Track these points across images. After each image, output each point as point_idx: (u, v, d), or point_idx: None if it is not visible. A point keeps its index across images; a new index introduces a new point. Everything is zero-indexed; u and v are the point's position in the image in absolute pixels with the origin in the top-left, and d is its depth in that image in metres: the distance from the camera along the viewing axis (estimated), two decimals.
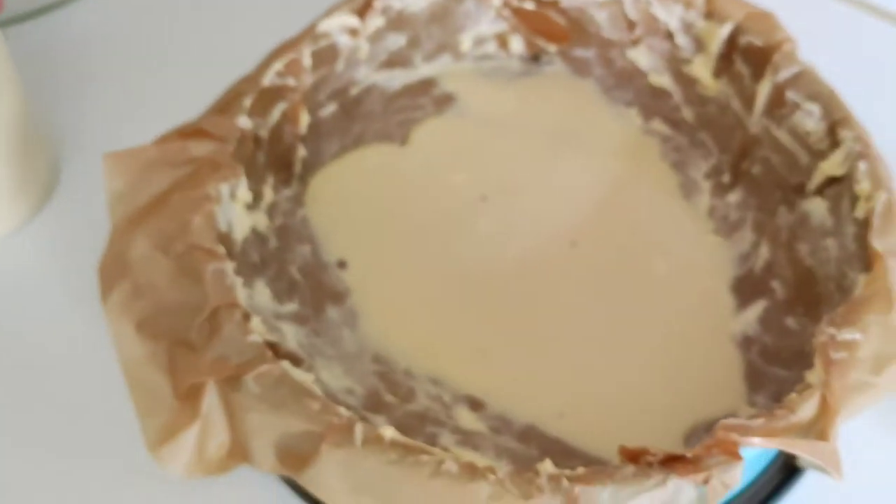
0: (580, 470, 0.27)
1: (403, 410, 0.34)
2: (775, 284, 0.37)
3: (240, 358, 0.29)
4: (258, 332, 0.31)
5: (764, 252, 0.38)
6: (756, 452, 0.32)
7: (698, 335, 0.36)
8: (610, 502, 0.26)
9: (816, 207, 0.36)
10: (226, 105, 0.36)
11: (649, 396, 0.35)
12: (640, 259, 0.39)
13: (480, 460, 0.27)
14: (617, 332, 0.37)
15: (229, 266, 0.32)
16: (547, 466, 0.27)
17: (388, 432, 0.27)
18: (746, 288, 0.37)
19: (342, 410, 0.28)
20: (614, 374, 0.35)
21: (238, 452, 0.31)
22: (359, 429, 0.27)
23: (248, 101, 0.36)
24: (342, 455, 0.27)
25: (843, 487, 0.33)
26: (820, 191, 0.36)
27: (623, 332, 0.37)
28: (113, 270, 0.32)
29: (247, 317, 0.30)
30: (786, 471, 0.33)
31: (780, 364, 0.35)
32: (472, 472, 0.27)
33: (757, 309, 0.37)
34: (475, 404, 0.34)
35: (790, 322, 0.36)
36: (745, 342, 0.36)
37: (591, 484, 0.26)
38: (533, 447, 0.33)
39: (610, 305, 0.37)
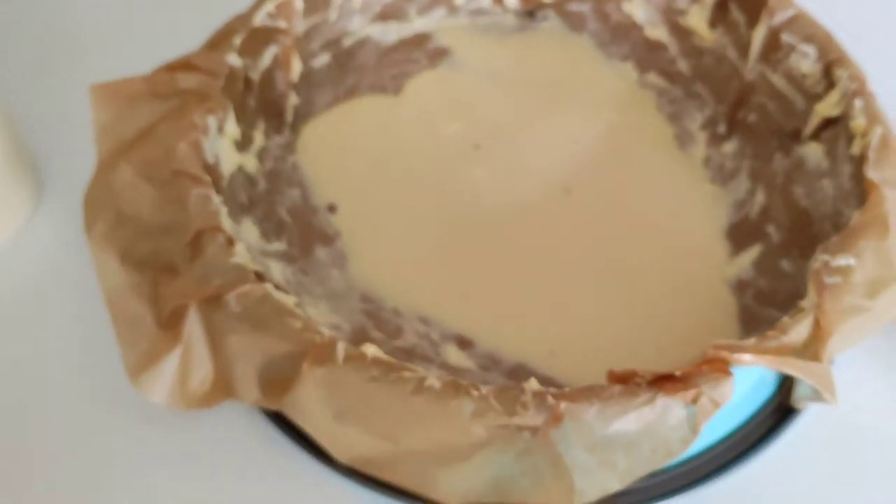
0: (566, 389, 0.26)
1: (391, 346, 0.33)
2: (770, 229, 0.36)
3: (222, 279, 0.29)
4: (243, 258, 0.30)
5: (760, 198, 0.37)
6: (748, 392, 0.32)
7: (692, 279, 0.36)
8: (596, 420, 0.26)
9: (812, 152, 0.36)
10: (216, 42, 0.36)
11: (642, 338, 0.34)
12: (634, 207, 0.38)
13: None
14: (609, 276, 0.36)
15: (214, 192, 0.31)
16: (532, 384, 0.26)
17: (371, 349, 0.27)
18: (741, 234, 0.37)
19: (325, 330, 0.28)
20: (606, 315, 0.35)
21: (222, 386, 0.30)
22: (341, 347, 0.27)
23: (238, 40, 0.36)
24: (324, 374, 0.27)
25: (837, 432, 0.32)
26: (816, 135, 0.36)
27: (616, 275, 0.36)
28: (97, 201, 0.32)
29: (231, 241, 0.30)
30: (779, 413, 0.32)
31: (776, 306, 0.34)
32: (455, 388, 0.26)
33: (752, 254, 0.36)
34: (464, 343, 0.34)
35: (785, 265, 0.35)
36: (740, 286, 0.35)
37: (576, 401, 0.26)
38: None
39: (603, 250, 0.37)
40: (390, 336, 0.34)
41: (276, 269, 0.35)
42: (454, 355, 0.33)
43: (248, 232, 0.35)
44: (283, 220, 0.37)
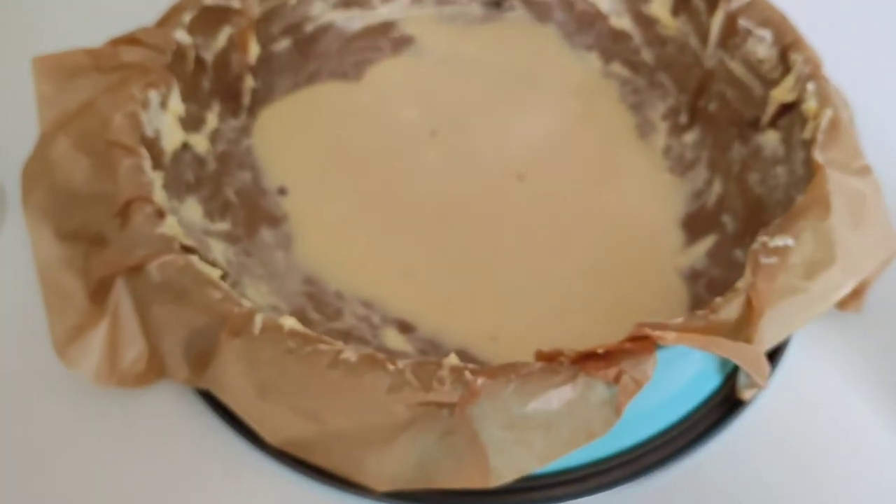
0: (486, 366, 0.25)
1: (327, 327, 0.33)
2: (726, 219, 0.35)
3: (147, 249, 0.28)
4: (173, 230, 0.30)
5: (717, 188, 0.37)
6: (691, 380, 0.31)
7: (643, 268, 0.35)
8: (514, 397, 0.25)
9: (770, 139, 0.35)
10: (165, 19, 0.36)
11: (588, 325, 0.33)
12: (589, 194, 0.38)
13: None
14: (558, 263, 0.35)
15: (147, 163, 0.31)
16: (451, 359, 0.25)
17: (288, 321, 0.26)
18: (697, 224, 0.36)
19: (244, 301, 0.27)
20: (552, 303, 0.34)
21: (156, 365, 0.30)
22: (258, 318, 0.26)
23: (187, 17, 0.36)
24: (241, 345, 0.26)
25: (785, 425, 0.31)
26: (773, 122, 0.35)
27: (565, 263, 0.35)
28: (35, 173, 0.32)
29: (160, 213, 0.30)
30: (727, 406, 0.31)
31: None
32: (371, 362, 0.25)
33: (707, 243, 0.35)
34: (405, 327, 0.33)
35: (738, 254, 0.34)
36: (693, 276, 0.34)
37: (494, 378, 0.25)
38: None
39: (553, 237, 0.36)
40: (329, 318, 0.33)
41: (218, 249, 0.34)
42: (393, 339, 0.33)
43: (190, 210, 0.35)
44: (229, 200, 0.36)
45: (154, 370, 0.30)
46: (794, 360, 0.32)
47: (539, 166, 0.39)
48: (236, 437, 0.30)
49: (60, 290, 0.30)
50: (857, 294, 0.31)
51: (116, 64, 0.33)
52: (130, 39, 0.34)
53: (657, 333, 0.24)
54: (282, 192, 0.38)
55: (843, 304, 0.31)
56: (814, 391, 0.32)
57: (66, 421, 0.31)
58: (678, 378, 0.30)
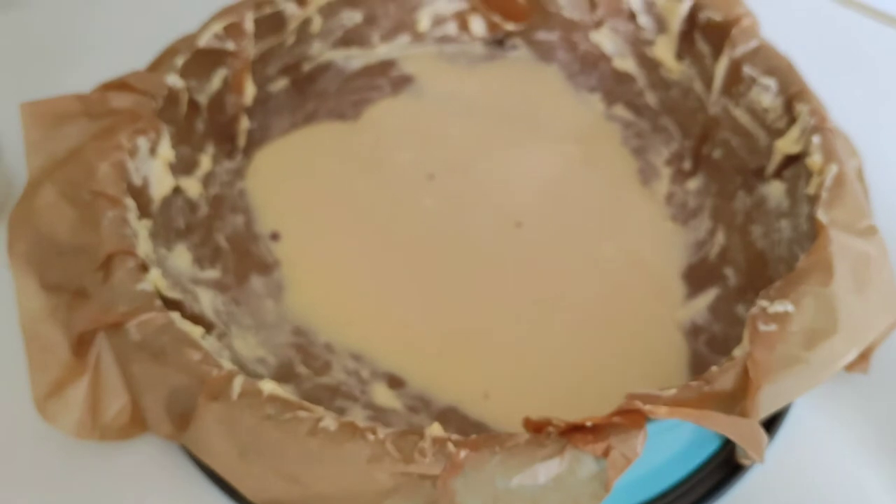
0: (472, 437, 0.24)
1: (314, 382, 0.32)
2: (728, 272, 0.34)
3: (127, 306, 0.27)
4: (158, 285, 0.29)
5: (720, 239, 0.35)
6: (688, 445, 0.30)
7: (642, 321, 0.34)
8: (499, 471, 0.24)
9: (774, 190, 0.34)
10: (157, 63, 0.35)
11: (584, 382, 0.32)
12: (588, 242, 0.37)
13: None
14: (554, 315, 0.34)
15: (132, 215, 0.30)
16: (434, 429, 0.25)
17: (267, 386, 0.25)
18: (699, 276, 0.35)
19: (224, 363, 0.26)
20: (547, 358, 0.33)
21: (139, 418, 0.29)
22: (237, 382, 0.26)
23: (180, 60, 0.35)
24: (219, 410, 0.25)
25: (788, 488, 0.30)
26: (778, 173, 0.34)
27: (561, 315, 0.34)
28: (21, 221, 0.31)
29: (144, 267, 0.29)
30: (726, 468, 0.30)
31: (727, 354, 0.32)
32: (351, 431, 0.24)
33: (708, 297, 0.34)
34: (395, 381, 0.32)
35: (740, 310, 0.33)
36: (693, 331, 0.33)
37: (478, 450, 0.24)
38: (451, 429, 0.31)
39: (550, 287, 0.35)
40: (316, 372, 0.32)
41: (206, 298, 0.33)
42: (383, 394, 0.32)
43: (179, 258, 0.34)
44: (220, 246, 0.36)
45: (137, 423, 0.29)
46: (797, 420, 0.31)
47: (538, 213, 0.38)
48: (220, 494, 0.30)
49: (43, 343, 0.30)
50: (863, 356, 0.30)
51: (106, 110, 0.33)
52: (121, 84, 0.33)
53: (647, 408, 0.23)
54: (274, 237, 0.37)
55: (849, 366, 0.30)
56: (817, 453, 0.31)
57: (43, 471, 0.30)
58: (674, 444, 0.29)
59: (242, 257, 0.36)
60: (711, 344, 0.33)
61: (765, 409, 0.25)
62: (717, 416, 0.24)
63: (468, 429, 0.31)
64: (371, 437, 0.24)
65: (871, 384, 0.32)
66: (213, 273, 0.35)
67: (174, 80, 0.35)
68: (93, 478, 0.30)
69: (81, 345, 0.29)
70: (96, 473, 0.30)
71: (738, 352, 0.26)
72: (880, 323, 0.27)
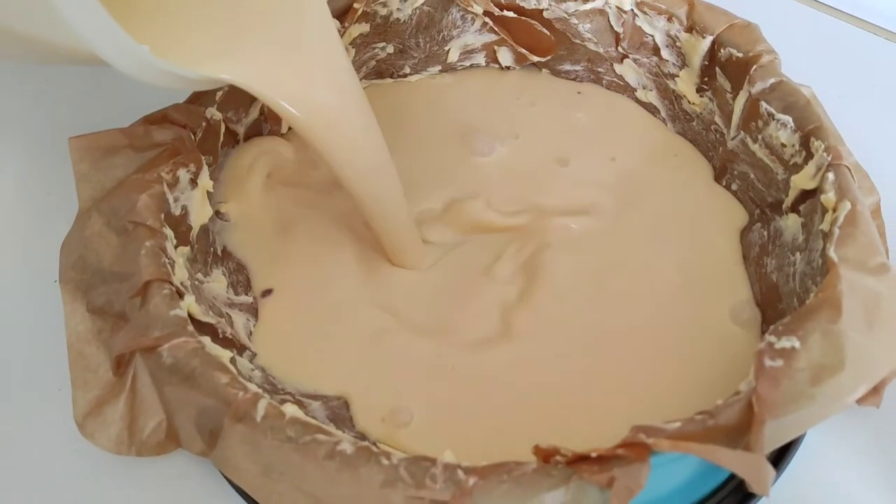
0: (482, 464, 0.25)
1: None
2: None
3: (161, 331, 0.29)
4: (192, 311, 0.31)
5: None
6: (698, 474, 0.30)
7: (647, 355, 0.34)
8: (506, 499, 0.25)
9: (791, 224, 0.34)
10: (197, 95, 0.37)
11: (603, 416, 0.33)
12: (601, 280, 0.37)
13: None
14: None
15: (170, 244, 0.32)
16: (446, 456, 0.26)
17: (290, 409, 0.27)
18: None
19: (251, 386, 0.28)
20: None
21: (173, 435, 0.31)
22: (262, 404, 0.27)
23: (220, 94, 0.37)
24: (243, 431, 0.27)
25: None
26: (795, 207, 0.34)
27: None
28: (71, 248, 0.33)
29: (179, 294, 0.31)
30: (739, 495, 0.31)
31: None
32: (367, 455, 0.26)
33: None
34: None
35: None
36: None
37: (486, 478, 0.25)
38: None
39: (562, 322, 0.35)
40: None
41: (240, 322, 0.35)
42: None
43: (216, 282, 0.36)
44: None
45: (172, 440, 0.31)
46: (809, 451, 0.32)
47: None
48: None
49: (87, 363, 0.31)
50: (875, 390, 0.30)
51: (150, 143, 0.35)
52: (162, 117, 0.35)
53: (651, 441, 0.24)
54: None
55: (860, 400, 0.30)
56: (829, 485, 0.31)
57: (79, 483, 0.32)
58: (682, 472, 0.29)
59: None
60: None
61: (770, 444, 0.26)
62: (720, 451, 0.24)
63: None
64: (385, 461, 0.25)
65: (884, 418, 0.32)
66: (246, 298, 0.36)
67: (212, 112, 0.37)
68: (129, 493, 0.32)
69: (120, 366, 0.31)
70: (132, 487, 0.32)
71: (743, 386, 0.26)
72: (891, 361, 0.27)
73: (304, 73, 0.30)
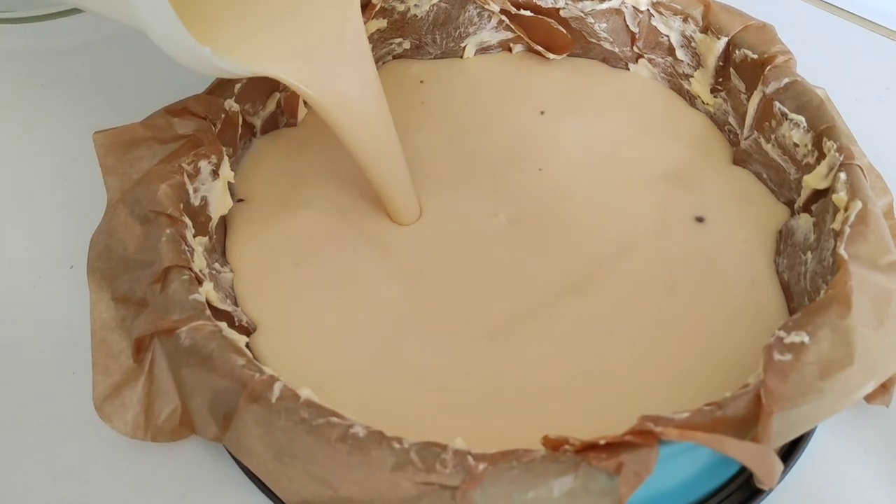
0: (491, 452, 0.26)
1: None
2: None
3: (179, 314, 0.30)
4: (210, 297, 0.31)
5: None
6: (708, 467, 0.30)
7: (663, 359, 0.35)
8: (515, 484, 0.25)
9: (803, 224, 0.35)
10: (216, 87, 0.38)
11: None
12: (622, 280, 0.37)
13: None
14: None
15: (189, 232, 0.33)
16: (457, 442, 0.26)
17: (305, 392, 0.27)
18: None
19: (267, 368, 0.28)
20: None
21: (188, 421, 0.31)
22: (277, 386, 0.27)
23: (238, 85, 0.38)
24: (257, 411, 0.27)
25: None
26: (807, 207, 0.35)
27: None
28: (98, 238, 0.34)
29: (198, 280, 0.31)
30: (747, 490, 0.31)
31: None
32: (378, 439, 0.26)
33: None
34: None
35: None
36: None
37: (495, 464, 0.25)
38: None
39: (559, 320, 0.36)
40: None
41: None
42: None
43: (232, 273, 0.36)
44: None
45: (186, 426, 0.31)
46: (819, 447, 0.32)
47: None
48: (260, 494, 0.31)
49: (109, 349, 0.32)
50: (884, 388, 0.31)
51: (172, 135, 0.35)
52: (183, 110, 0.36)
53: (659, 429, 0.25)
54: None
55: (869, 398, 0.31)
56: (838, 481, 0.31)
57: (90, 467, 0.32)
58: (691, 465, 0.29)
59: None
60: None
61: (779, 438, 0.26)
62: (728, 440, 0.25)
63: None
64: (396, 445, 0.26)
65: (894, 417, 0.32)
66: None
67: (231, 104, 0.37)
68: (142, 476, 0.32)
69: (139, 350, 0.31)
70: (146, 472, 0.32)
71: (752, 379, 0.27)
72: None
73: (340, 70, 0.33)
